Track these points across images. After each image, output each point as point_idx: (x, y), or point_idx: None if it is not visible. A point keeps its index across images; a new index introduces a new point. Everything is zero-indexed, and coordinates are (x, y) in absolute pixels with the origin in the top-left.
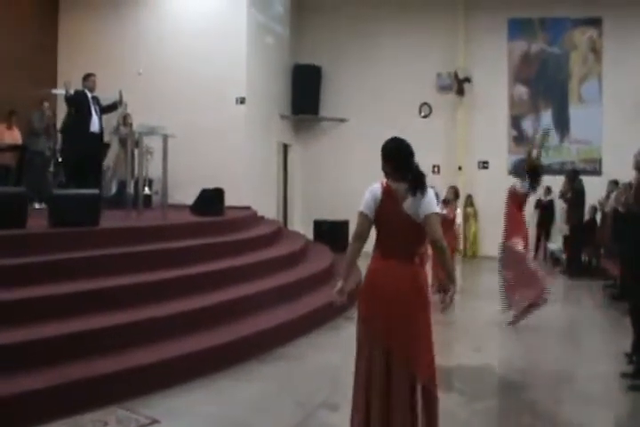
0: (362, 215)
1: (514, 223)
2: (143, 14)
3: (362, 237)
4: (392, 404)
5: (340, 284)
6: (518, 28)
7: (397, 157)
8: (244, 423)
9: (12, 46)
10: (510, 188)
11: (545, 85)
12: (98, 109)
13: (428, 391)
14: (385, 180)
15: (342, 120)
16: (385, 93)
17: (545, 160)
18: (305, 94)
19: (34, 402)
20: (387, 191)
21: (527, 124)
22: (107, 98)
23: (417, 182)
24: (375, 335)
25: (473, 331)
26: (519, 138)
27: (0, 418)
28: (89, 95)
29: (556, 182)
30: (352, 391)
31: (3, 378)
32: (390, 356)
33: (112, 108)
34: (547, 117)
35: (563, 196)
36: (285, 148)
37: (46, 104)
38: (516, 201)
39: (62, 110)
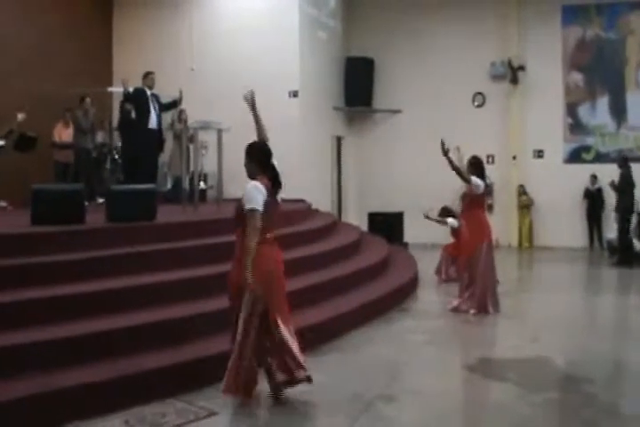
0: (258, 212)
1: (483, 226)
2: (196, 11)
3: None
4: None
5: (249, 276)
6: (573, 13)
7: (263, 157)
8: (300, 415)
9: (68, 45)
10: (468, 191)
11: (601, 72)
12: (157, 107)
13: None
14: (257, 179)
15: (395, 111)
16: (438, 84)
17: (602, 148)
18: (358, 86)
19: (94, 394)
20: (268, 188)
21: (583, 112)
22: (166, 95)
23: (279, 179)
24: (259, 303)
25: (529, 321)
26: (575, 126)
27: (61, 410)
28: (148, 93)
29: (606, 170)
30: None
31: (64, 371)
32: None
33: (172, 105)
34: (603, 104)
35: (611, 184)
36: (339, 140)
37: (88, 100)
38: (480, 203)
39: (118, 107)
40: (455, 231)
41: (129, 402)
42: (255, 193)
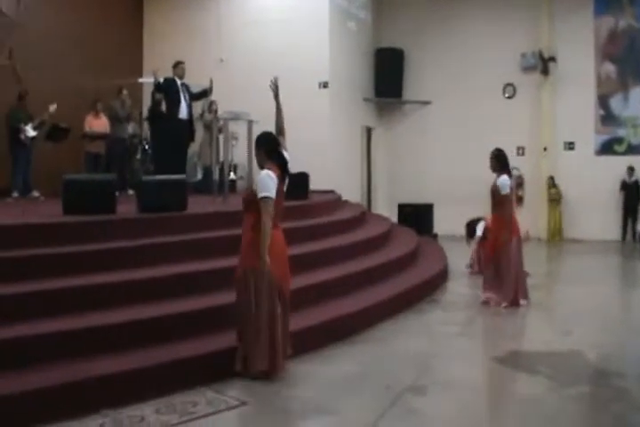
0: (272, 200)
1: (512, 222)
2: (226, 2)
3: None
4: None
5: (267, 258)
6: (605, 3)
7: (270, 146)
8: (330, 406)
9: (99, 37)
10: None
11: (634, 62)
12: (187, 97)
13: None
14: (267, 167)
15: (425, 103)
16: (468, 75)
17: (633, 140)
18: (388, 77)
19: (125, 383)
20: (279, 177)
21: (615, 103)
22: (196, 85)
23: (287, 167)
24: (275, 284)
25: (561, 314)
26: (606, 117)
27: (93, 398)
28: (178, 82)
29: (638, 162)
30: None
31: (95, 359)
32: (281, 295)
33: (202, 95)
34: (635, 96)
35: None
36: (369, 131)
37: (125, 92)
38: (508, 198)
39: (148, 98)
40: (484, 232)
41: (160, 391)
42: (268, 181)
